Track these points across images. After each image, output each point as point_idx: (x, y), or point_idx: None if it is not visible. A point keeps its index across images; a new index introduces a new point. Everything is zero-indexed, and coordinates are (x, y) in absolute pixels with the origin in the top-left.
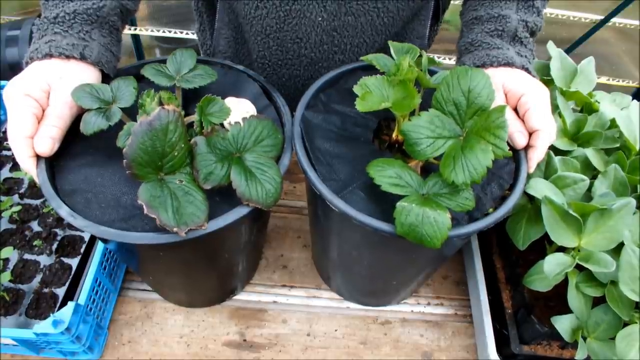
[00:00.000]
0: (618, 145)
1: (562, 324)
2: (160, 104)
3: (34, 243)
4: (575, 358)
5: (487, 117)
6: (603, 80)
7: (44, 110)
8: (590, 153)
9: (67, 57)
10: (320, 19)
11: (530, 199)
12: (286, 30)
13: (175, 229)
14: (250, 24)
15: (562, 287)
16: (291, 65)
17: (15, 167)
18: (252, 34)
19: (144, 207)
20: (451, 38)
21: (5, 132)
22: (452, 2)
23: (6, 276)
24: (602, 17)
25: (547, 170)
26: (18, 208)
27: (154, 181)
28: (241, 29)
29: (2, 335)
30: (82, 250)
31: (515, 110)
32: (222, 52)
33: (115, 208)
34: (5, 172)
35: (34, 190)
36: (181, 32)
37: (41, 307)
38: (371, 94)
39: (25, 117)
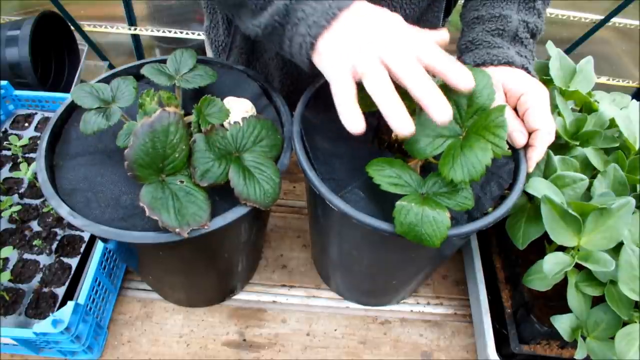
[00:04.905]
0: (617, 144)
1: (562, 323)
2: (160, 104)
3: (34, 243)
4: (575, 357)
5: (486, 117)
6: (603, 80)
7: None
8: (589, 152)
9: None
10: None
11: (530, 198)
12: None
13: (177, 230)
14: None
15: (561, 287)
16: None
17: (15, 167)
18: None
19: (146, 209)
20: (451, 38)
21: (5, 132)
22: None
23: (6, 276)
24: (602, 17)
25: (546, 170)
26: (18, 208)
27: (155, 183)
28: None
29: (2, 334)
30: (81, 249)
31: (515, 109)
32: (239, 47)
33: (115, 207)
34: (5, 172)
35: (33, 190)
36: (181, 32)
37: (41, 306)
38: None
39: None
